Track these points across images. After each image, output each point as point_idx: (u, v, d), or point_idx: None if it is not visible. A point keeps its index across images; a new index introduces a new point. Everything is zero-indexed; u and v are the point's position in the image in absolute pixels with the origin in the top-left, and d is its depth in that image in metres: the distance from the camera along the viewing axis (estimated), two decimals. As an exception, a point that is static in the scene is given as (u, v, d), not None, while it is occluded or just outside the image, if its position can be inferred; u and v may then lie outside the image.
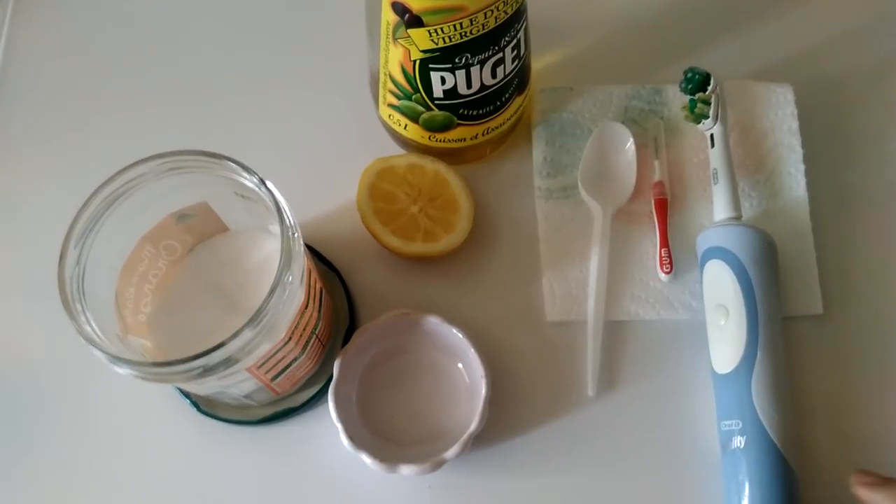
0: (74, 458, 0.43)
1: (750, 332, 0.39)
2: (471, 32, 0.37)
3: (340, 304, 0.45)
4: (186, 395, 0.43)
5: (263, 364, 0.37)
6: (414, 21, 0.36)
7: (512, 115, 0.45)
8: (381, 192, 0.44)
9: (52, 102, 0.51)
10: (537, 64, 0.47)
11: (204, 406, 0.43)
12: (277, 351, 0.37)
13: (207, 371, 0.33)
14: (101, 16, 0.53)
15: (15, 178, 0.49)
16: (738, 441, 0.38)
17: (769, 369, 0.39)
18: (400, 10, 0.36)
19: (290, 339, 0.37)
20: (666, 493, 0.41)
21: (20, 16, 0.53)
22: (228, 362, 0.33)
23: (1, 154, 0.49)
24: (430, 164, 0.45)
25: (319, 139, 0.49)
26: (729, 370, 0.39)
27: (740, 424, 0.39)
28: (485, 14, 0.36)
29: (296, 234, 0.35)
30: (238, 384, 0.38)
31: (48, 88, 0.51)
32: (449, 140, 0.44)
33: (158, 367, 0.33)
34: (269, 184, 0.35)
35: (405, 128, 0.44)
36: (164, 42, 0.52)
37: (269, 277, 0.35)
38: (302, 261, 0.35)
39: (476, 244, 0.45)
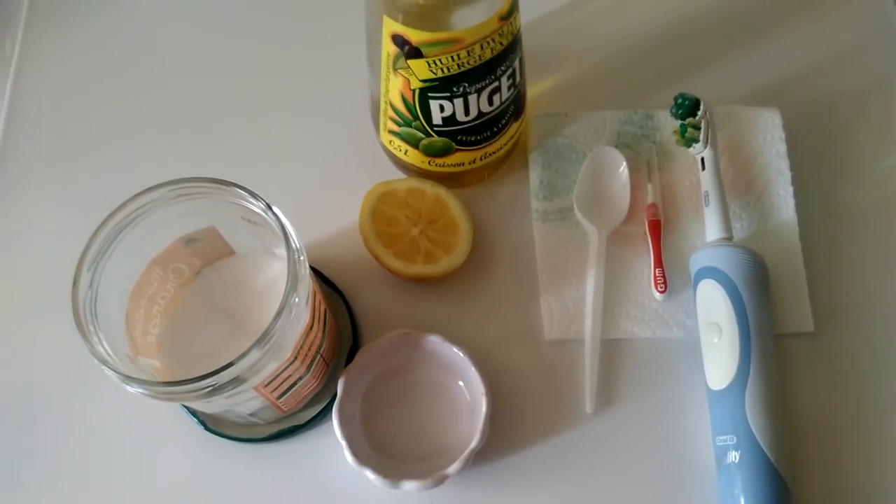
0: (82, 475, 0.43)
1: (743, 349, 0.40)
2: (468, 63, 0.38)
3: (344, 324, 0.46)
4: (193, 413, 0.44)
5: (270, 383, 0.38)
6: (413, 53, 0.38)
7: (508, 141, 0.46)
8: (382, 215, 0.45)
9: (61, 129, 0.52)
10: (532, 91, 0.49)
11: (211, 424, 0.44)
12: (283, 370, 0.38)
13: (216, 390, 0.34)
14: (108, 44, 0.55)
15: (26, 203, 0.50)
16: (733, 456, 0.39)
17: (762, 385, 0.40)
18: (400, 42, 0.38)
19: (295, 358, 0.38)
20: (663, 508, 0.42)
21: (29, 45, 0.55)
22: (236, 381, 0.35)
23: (13, 180, 0.51)
24: (431, 188, 0.46)
25: (322, 164, 0.50)
26: (723, 386, 0.40)
27: (735, 440, 0.39)
28: (481, 46, 0.38)
29: (301, 258, 0.36)
30: (245, 402, 0.39)
31: (57, 115, 0.53)
32: (448, 165, 0.45)
33: (169, 387, 0.34)
34: (275, 209, 0.36)
35: (405, 153, 0.45)
36: (169, 69, 0.54)
37: (275, 299, 0.36)
38: (308, 283, 0.36)
39: (475, 265, 0.46)
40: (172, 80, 0.53)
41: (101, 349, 0.35)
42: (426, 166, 0.46)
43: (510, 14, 0.38)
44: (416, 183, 0.46)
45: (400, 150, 0.46)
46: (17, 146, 0.52)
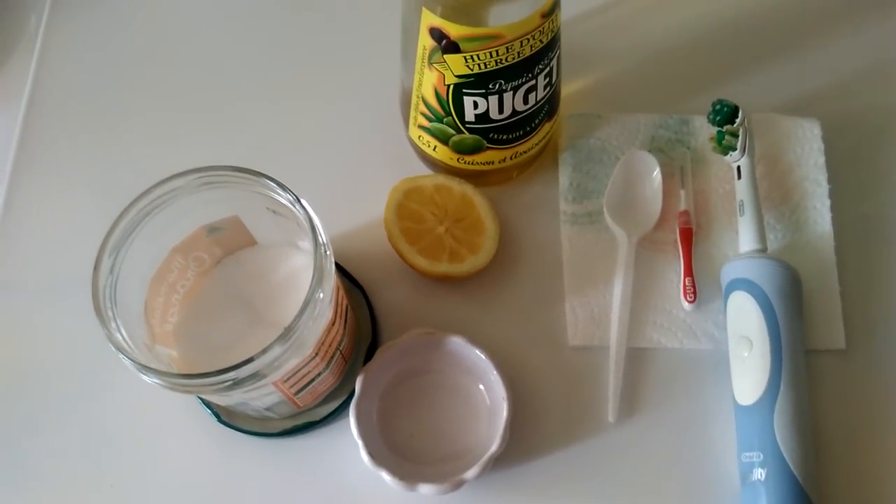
0: (95, 465, 0.43)
1: (774, 364, 0.39)
2: (506, 60, 0.37)
3: (363, 320, 0.45)
4: (208, 405, 0.43)
5: (289, 378, 0.37)
6: (451, 47, 0.37)
7: (540, 141, 0.45)
8: (408, 211, 0.44)
9: (85, 109, 0.52)
10: (566, 90, 0.48)
11: (224, 417, 0.43)
12: (304, 366, 0.37)
13: (236, 384, 0.34)
14: (136, 25, 0.54)
15: (48, 185, 0.50)
16: (759, 473, 0.38)
17: (792, 402, 0.39)
18: (438, 35, 0.37)
19: (316, 354, 0.37)
20: (684, 523, 0.41)
21: (55, 23, 0.54)
22: (257, 377, 0.34)
23: (36, 161, 0.50)
24: (458, 186, 0.45)
25: (348, 157, 0.49)
26: (752, 402, 0.39)
27: (761, 457, 0.39)
28: (521, 42, 0.37)
29: (328, 252, 0.35)
30: (262, 397, 0.38)
31: (81, 94, 0.52)
32: (477, 162, 0.44)
33: (187, 379, 0.33)
34: (304, 202, 0.35)
35: (434, 149, 0.45)
36: (197, 54, 0.53)
37: (295, 291, 0.35)
38: (333, 279, 0.36)
39: (500, 266, 0.46)
40: (200, 65, 0.53)
41: (118, 336, 0.34)
42: (454, 163, 0.45)
43: (552, 11, 0.37)
44: (443, 180, 0.45)
45: (429, 146, 0.45)
46: (40, 126, 0.51)
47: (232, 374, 0.33)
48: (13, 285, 0.47)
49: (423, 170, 0.47)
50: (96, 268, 0.35)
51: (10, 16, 0.55)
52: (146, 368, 0.33)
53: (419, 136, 0.45)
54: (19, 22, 0.55)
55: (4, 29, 0.55)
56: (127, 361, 0.34)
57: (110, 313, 0.35)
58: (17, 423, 0.44)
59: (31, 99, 0.52)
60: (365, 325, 0.45)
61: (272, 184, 0.35)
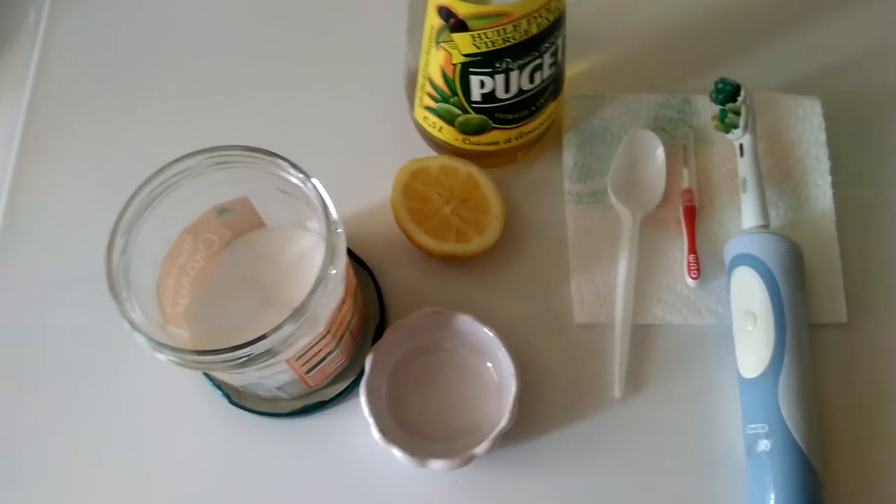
0: (105, 446, 0.43)
1: (778, 337, 0.40)
2: (513, 38, 0.38)
3: (371, 300, 0.45)
4: (218, 386, 0.44)
5: (301, 356, 0.37)
6: (459, 26, 0.37)
7: (545, 121, 0.45)
8: (414, 192, 0.45)
9: (88, 98, 0.51)
10: (570, 71, 0.48)
11: (235, 397, 0.43)
12: (315, 344, 0.37)
13: (249, 361, 0.34)
14: (139, 12, 0.54)
15: (54, 170, 0.50)
16: (765, 445, 0.39)
17: (796, 374, 0.40)
18: (445, 14, 0.37)
19: (328, 332, 0.37)
20: (690, 495, 0.41)
21: (57, 13, 0.54)
22: (269, 353, 0.34)
23: (40, 157, 0.50)
24: (463, 167, 0.46)
25: (353, 139, 0.49)
26: (756, 374, 0.40)
27: (766, 428, 0.39)
28: (528, 20, 0.37)
29: (339, 230, 0.36)
30: (274, 375, 0.39)
31: (85, 84, 0.52)
32: (483, 143, 0.45)
33: (201, 356, 0.34)
34: (314, 180, 0.36)
35: (440, 130, 0.45)
36: (200, 43, 0.53)
37: (304, 273, 0.35)
38: (344, 257, 0.36)
39: (506, 246, 0.46)
40: (203, 51, 0.53)
41: (133, 315, 0.35)
42: (460, 144, 0.45)
43: (558, -11, 0.38)
44: (448, 161, 0.46)
45: (434, 127, 0.45)
46: (44, 117, 0.51)
47: (246, 351, 0.33)
48: (19, 277, 0.47)
49: (428, 152, 0.48)
50: (110, 248, 0.35)
51: (12, 5, 0.55)
52: (160, 345, 0.34)
53: (425, 118, 0.45)
54: (21, 12, 0.55)
55: (6, 19, 0.55)
56: (142, 339, 0.34)
57: (124, 293, 0.35)
58: (27, 405, 0.44)
59: (35, 89, 0.51)
60: (373, 306, 0.45)
61: (284, 163, 0.36)
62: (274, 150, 0.36)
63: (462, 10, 0.36)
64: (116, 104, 0.51)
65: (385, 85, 0.49)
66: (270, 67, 0.52)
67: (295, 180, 0.36)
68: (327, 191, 0.36)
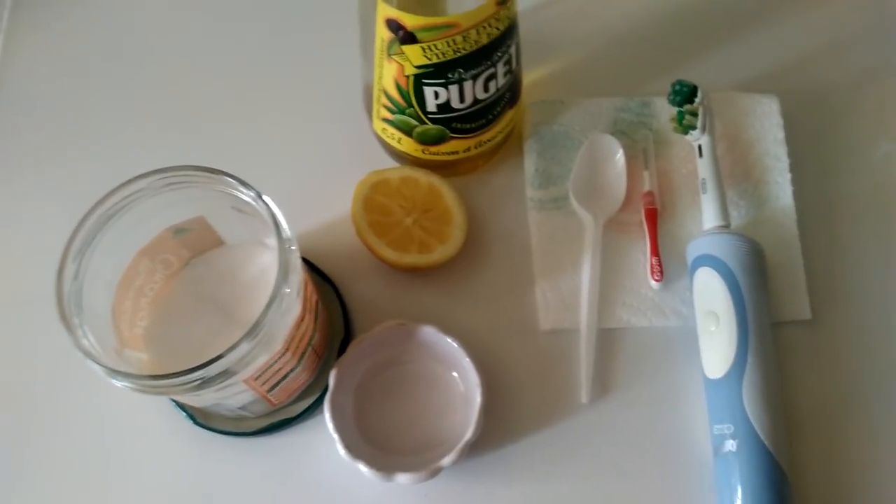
0: (70, 470, 0.43)
1: (740, 337, 0.40)
2: (464, 48, 0.38)
3: (335, 315, 0.45)
4: (182, 407, 0.43)
5: (260, 376, 0.37)
6: (408, 38, 0.37)
7: (504, 128, 0.45)
8: (375, 204, 0.44)
9: (47, 120, 0.51)
10: (528, 78, 0.48)
11: (200, 418, 0.43)
12: (274, 363, 0.37)
13: (205, 383, 0.34)
14: (96, 35, 0.53)
15: (11, 193, 0.49)
16: (731, 444, 0.39)
17: (759, 373, 0.40)
18: (394, 27, 0.37)
19: (286, 350, 0.37)
20: (659, 496, 0.41)
21: (15, 35, 0.53)
22: (226, 374, 0.34)
23: (-2, 170, 0.50)
24: (424, 177, 0.45)
25: (313, 153, 0.49)
26: (720, 375, 0.40)
27: (732, 428, 0.39)
28: (477, 31, 0.37)
29: (292, 247, 0.35)
30: (235, 396, 0.38)
31: (43, 105, 0.51)
32: (442, 153, 0.45)
33: (156, 380, 0.33)
34: (266, 198, 0.35)
35: (399, 141, 0.45)
36: (157, 57, 0.53)
37: (265, 290, 0.35)
38: (299, 273, 0.36)
39: (470, 255, 0.46)
40: (159, 67, 0.52)
41: (85, 342, 0.34)
42: (420, 154, 0.45)
43: (506, -2, 0.37)
44: (409, 172, 0.45)
45: (393, 139, 0.45)
46: (3, 136, 0.50)
47: (200, 373, 0.33)
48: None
49: (390, 163, 0.47)
50: (60, 273, 0.34)
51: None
52: (115, 372, 0.33)
53: (383, 129, 0.45)
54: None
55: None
56: (95, 367, 0.33)
57: (76, 319, 0.34)
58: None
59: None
60: (337, 321, 0.45)
61: (234, 181, 0.35)
62: (236, 167, 0.36)
63: (410, 22, 0.36)
64: (71, 126, 0.51)
65: (344, 97, 0.48)
66: (229, 84, 0.52)
67: (247, 198, 0.36)
68: (289, 206, 0.36)
